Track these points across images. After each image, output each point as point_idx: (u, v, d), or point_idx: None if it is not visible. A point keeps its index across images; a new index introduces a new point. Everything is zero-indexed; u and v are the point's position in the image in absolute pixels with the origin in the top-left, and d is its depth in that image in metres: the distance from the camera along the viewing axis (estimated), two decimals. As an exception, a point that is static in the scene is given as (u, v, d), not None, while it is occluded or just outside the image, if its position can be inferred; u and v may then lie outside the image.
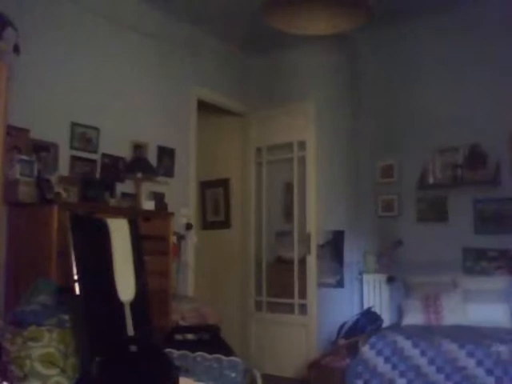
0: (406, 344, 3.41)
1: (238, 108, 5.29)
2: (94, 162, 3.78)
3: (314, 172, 4.83)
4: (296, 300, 4.81)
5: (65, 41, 3.66)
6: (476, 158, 4.31)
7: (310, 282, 4.71)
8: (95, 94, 3.83)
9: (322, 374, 3.96)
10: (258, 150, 5.28)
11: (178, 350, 2.94)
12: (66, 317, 2.60)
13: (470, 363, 3.18)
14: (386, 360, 3.42)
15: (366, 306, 4.58)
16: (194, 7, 4.39)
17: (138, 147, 4.10)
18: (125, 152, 4.01)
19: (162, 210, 3.94)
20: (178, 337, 3.30)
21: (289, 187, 5.06)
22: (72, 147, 3.65)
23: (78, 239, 2.65)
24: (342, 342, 4.11)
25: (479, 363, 3.16)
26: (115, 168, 3.91)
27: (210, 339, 3.33)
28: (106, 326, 2.62)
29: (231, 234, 5.37)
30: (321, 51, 4.92)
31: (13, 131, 3.16)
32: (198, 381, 2.70)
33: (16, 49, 2.86)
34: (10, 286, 3.10)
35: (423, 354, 3.33)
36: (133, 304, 2.74)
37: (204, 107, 4.90)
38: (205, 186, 5.54)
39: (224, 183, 5.46)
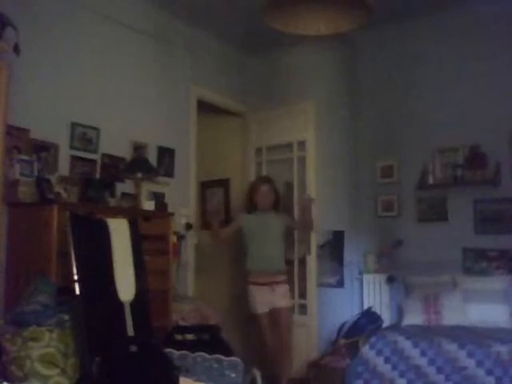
0: (406, 344, 3.41)
1: (238, 108, 5.30)
2: (94, 162, 3.77)
3: (313, 172, 4.83)
4: (296, 300, 4.81)
5: (65, 41, 3.66)
6: (476, 157, 4.30)
7: (310, 282, 4.71)
8: (95, 94, 3.83)
9: (322, 374, 3.96)
10: (258, 149, 5.28)
11: (178, 350, 2.94)
12: (66, 317, 2.60)
13: (470, 363, 3.18)
14: (386, 360, 3.42)
15: (366, 306, 4.58)
16: (194, 7, 4.39)
17: (138, 147, 4.10)
18: (125, 152, 4.01)
19: (162, 210, 3.94)
20: (178, 337, 3.30)
21: (289, 187, 5.06)
22: (72, 147, 3.65)
23: (78, 239, 2.65)
24: (342, 342, 4.11)
25: (479, 363, 3.16)
26: (115, 168, 3.91)
27: (210, 339, 3.33)
28: (106, 326, 2.62)
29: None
30: (321, 51, 4.92)
31: (13, 131, 3.16)
32: (198, 381, 2.70)
33: (16, 49, 2.86)
34: (10, 286, 3.10)
35: (423, 354, 3.33)
36: (133, 304, 2.74)
37: (204, 107, 4.90)
38: (205, 186, 5.55)
39: (224, 183, 5.46)
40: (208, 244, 4.76)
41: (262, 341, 4.10)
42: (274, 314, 4.00)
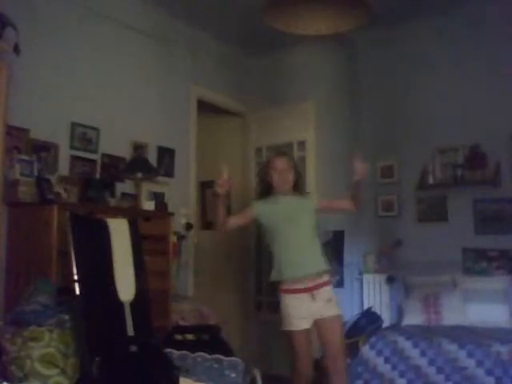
0: (406, 344, 3.41)
1: (238, 108, 5.30)
2: (94, 162, 3.77)
3: (313, 172, 4.83)
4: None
5: (65, 41, 3.66)
6: (476, 157, 4.31)
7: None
8: (95, 94, 3.83)
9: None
10: (258, 150, 5.28)
11: (178, 350, 2.94)
12: (66, 317, 2.60)
13: (470, 363, 3.18)
14: (386, 360, 3.42)
15: (366, 306, 4.58)
16: (194, 7, 4.39)
17: (138, 147, 4.10)
18: (125, 152, 4.01)
19: (161, 210, 3.94)
20: (178, 337, 3.30)
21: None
22: (72, 147, 3.65)
23: (78, 239, 2.65)
24: (342, 342, 4.11)
25: (479, 363, 3.16)
26: (115, 168, 3.91)
27: (210, 339, 3.33)
28: (106, 326, 2.62)
29: (231, 233, 5.35)
30: (321, 51, 4.92)
31: (13, 131, 3.16)
32: (198, 381, 2.70)
33: (16, 49, 2.86)
34: (10, 286, 3.10)
35: (423, 354, 3.33)
36: (133, 304, 2.73)
37: (204, 107, 4.90)
38: (205, 186, 5.54)
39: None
40: (208, 240, 4.75)
41: (293, 363, 3.18)
42: (320, 324, 3.04)
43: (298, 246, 3.04)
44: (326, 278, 3.07)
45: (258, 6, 3.58)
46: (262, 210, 3.14)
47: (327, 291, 3.04)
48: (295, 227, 3.06)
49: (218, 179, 2.93)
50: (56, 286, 2.80)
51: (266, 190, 3.19)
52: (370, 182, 4.94)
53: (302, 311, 2.99)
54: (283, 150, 3.42)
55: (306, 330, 3.04)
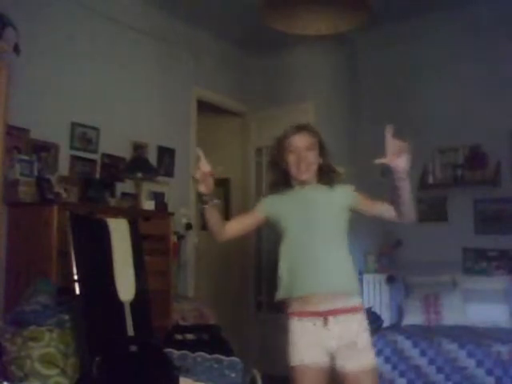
0: (406, 344, 3.41)
1: (238, 108, 5.29)
2: (94, 162, 3.77)
3: (313, 172, 4.83)
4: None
5: (65, 40, 3.66)
6: (476, 157, 4.31)
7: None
8: (95, 93, 3.83)
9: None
10: (258, 150, 5.28)
11: (178, 350, 2.94)
12: (66, 317, 2.61)
13: (470, 363, 3.18)
14: (386, 360, 3.42)
15: (366, 306, 4.56)
16: (194, 7, 4.38)
17: (138, 147, 4.10)
18: (125, 152, 4.01)
19: (161, 209, 3.94)
20: (178, 337, 3.30)
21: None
22: (72, 147, 3.65)
23: (78, 239, 2.65)
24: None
25: (479, 363, 3.16)
26: (115, 168, 3.91)
27: (210, 339, 3.33)
28: (106, 326, 2.62)
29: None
30: (321, 51, 4.92)
31: (13, 131, 3.17)
32: (198, 381, 2.70)
33: (16, 49, 2.86)
34: (10, 286, 3.10)
35: (423, 354, 3.33)
36: (133, 304, 2.74)
37: (204, 107, 4.90)
38: (205, 186, 5.54)
39: (224, 183, 5.46)
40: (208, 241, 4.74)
41: None
42: (341, 378, 2.07)
43: (317, 257, 2.12)
44: (351, 302, 2.10)
45: (258, 7, 3.58)
46: (271, 208, 2.24)
47: (351, 322, 2.07)
48: (316, 231, 2.16)
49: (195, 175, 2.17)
50: (56, 286, 2.81)
51: (280, 180, 2.26)
52: (371, 182, 4.95)
53: (312, 339, 2.08)
54: (303, 123, 2.34)
55: (320, 371, 2.09)
